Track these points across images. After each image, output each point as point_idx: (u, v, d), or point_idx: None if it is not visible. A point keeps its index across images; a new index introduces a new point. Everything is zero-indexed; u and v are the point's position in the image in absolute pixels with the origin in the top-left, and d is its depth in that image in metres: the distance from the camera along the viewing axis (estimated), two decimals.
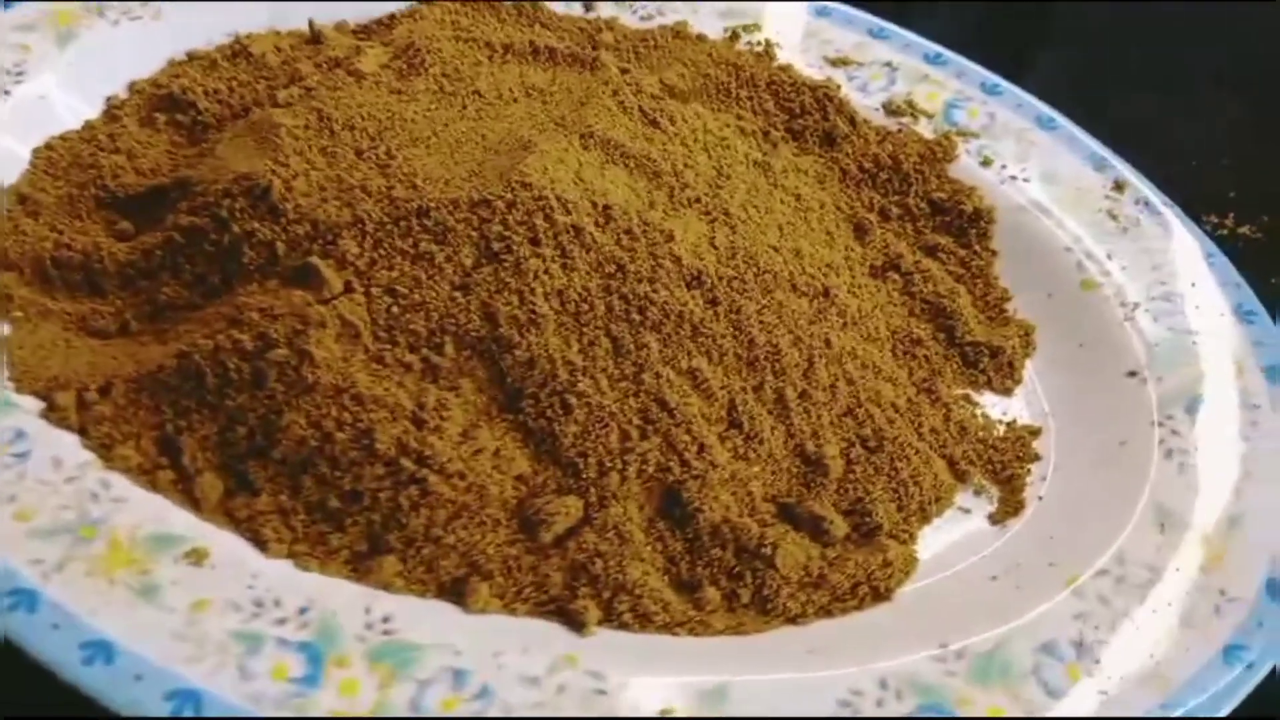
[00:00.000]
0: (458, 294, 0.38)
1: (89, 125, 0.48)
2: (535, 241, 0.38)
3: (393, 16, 0.54)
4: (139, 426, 0.36)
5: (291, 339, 0.36)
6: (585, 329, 0.38)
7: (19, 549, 0.32)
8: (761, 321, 0.39)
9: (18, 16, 0.50)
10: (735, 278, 0.40)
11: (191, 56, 0.52)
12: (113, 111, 0.49)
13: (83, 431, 0.36)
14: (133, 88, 0.50)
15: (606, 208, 0.40)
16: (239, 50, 0.51)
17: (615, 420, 0.36)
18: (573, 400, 0.37)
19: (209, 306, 0.39)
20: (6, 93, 0.47)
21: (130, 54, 0.51)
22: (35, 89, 0.48)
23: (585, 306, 0.38)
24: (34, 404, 0.37)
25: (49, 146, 0.47)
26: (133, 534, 0.33)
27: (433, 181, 0.40)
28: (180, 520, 0.34)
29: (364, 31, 0.54)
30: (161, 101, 0.49)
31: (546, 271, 0.38)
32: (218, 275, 0.40)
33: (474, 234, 0.39)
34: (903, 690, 0.31)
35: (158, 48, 0.52)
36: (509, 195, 0.39)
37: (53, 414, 0.36)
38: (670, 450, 0.36)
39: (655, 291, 0.38)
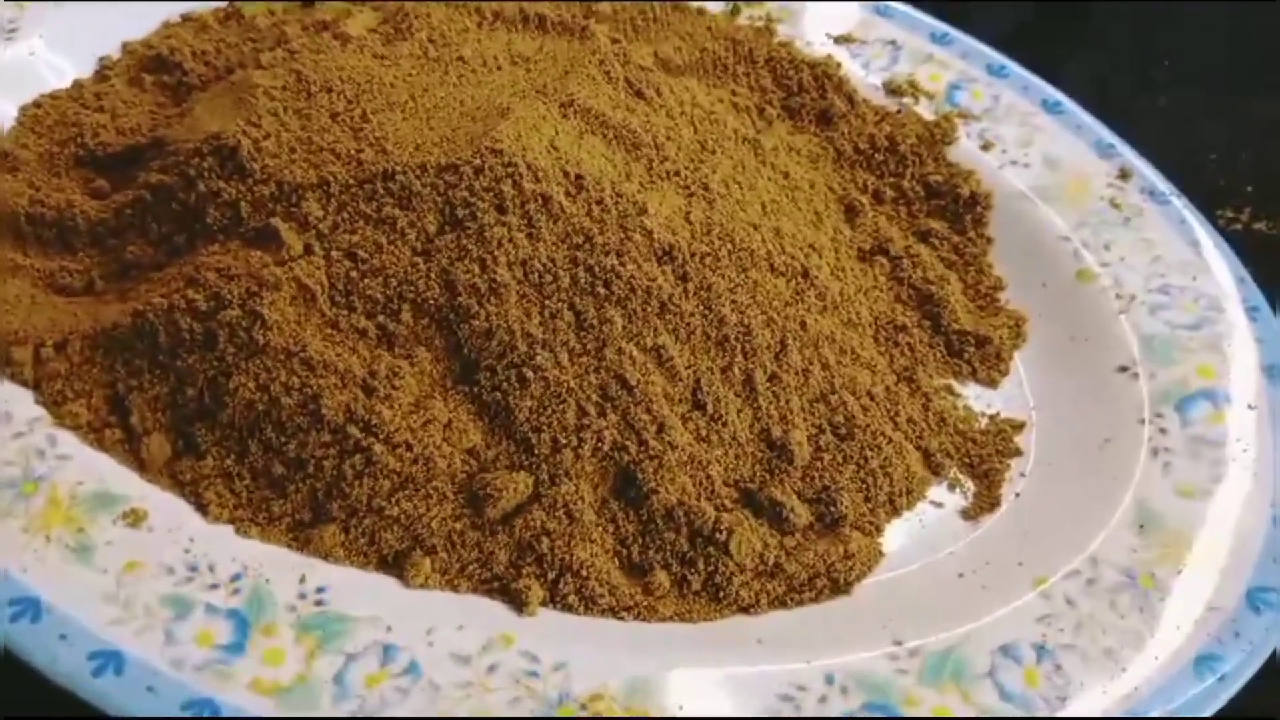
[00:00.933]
0: (418, 260, 0.37)
1: (78, 84, 0.48)
2: (501, 209, 0.37)
3: None
4: (91, 384, 0.36)
5: (245, 300, 0.35)
6: (548, 301, 0.37)
7: None
8: (733, 300, 0.38)
9: None
10: (709, 254, 0.38)
11: (185, 19, 0.51)
12: (103, 71, 0.49)
13: (37, 387, 0.36)
14: (125, 48, 0.50)
15: (578, 177, 0.38)
16: (231, 13, 0.51)
17: (573, 396, 0.35)
18: (530, 374, 0.35)
19: (172, 266, 0.39)
20: None
21: (125, 15, 0.50)
22: (26, 46, 0.48)
23: (549, 278, 0.37)
24: None
25: (37, 104, 0.47)
26: (73, 492, 0.33)
27: (403, 146, 0.39)
28: (123, 480, 0.34)
29: None
30: (150, 62, 0.49)
31: (510, 240, 0.37)
32: (183, 235, 0.39)
33: (439, 199, 0.38)
34: (849, 687, 0.30)
35: (153, 9, 0.51)
36: (477, 161, 0.38)
37: (8, 369, 0.36)
38: (628, 429, 0.35)
39: (623, 265, 0.37)
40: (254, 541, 0.33)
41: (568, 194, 0.38)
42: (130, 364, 0.36)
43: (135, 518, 0.33)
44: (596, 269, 0.37)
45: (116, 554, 0.31)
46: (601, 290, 0.37)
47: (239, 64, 0.47)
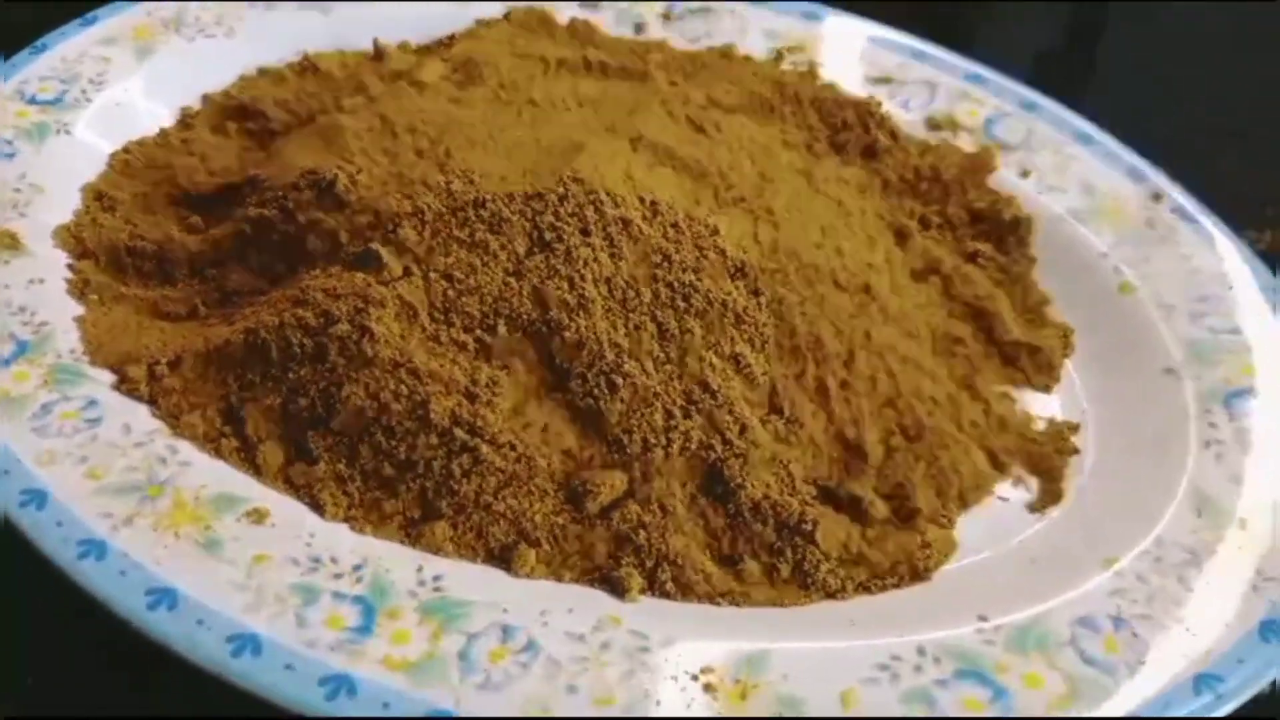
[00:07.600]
0: (511, 279, 0.39)
1: (163, 132, 0.51)
2: (585, 232, 0.40)
3: (452, 37, 0.56)
4: (205, 398, 0.38)
5: (353, 316, 0.38)
6: (631, 314, 0.39)
7: (88, 504, 0.34)
8: (803, 313, 0.40)
9: (100, 30, 0.53)
10: (778, 270, 0.41)
11: (262, 71, 0.55)
12: (186, 120, 0.52)
13: (152, 402, 0.38)
14: (206, 99, 0.53)
15: (654, 202, 0.41)
16: (306, 66, 0.54)
17: (659, 400, 0.38)
18: (619, 380, 0.38)
19: (275, 291, 0.41)
20: (89, 99, 0.50)
21: (204, 68, 0.54)
22: (114, 96, 0.51)
23: (632, 293, 0.39)
24: (107, 377, 0.39)
25: (126, 150, 0.50)
26: (197, 494, 0.35)
27: (489, 177, 0.42)
28: (242, 484, 0.36)
29: (425, 51, 0.56)
30: (232, 110, 0.52)
31: (595, 260, 0.40)
32: (283, 263, 0.42)
33: (527, 224, 0.40)
34: (941, 657, 0.32)
35: (230, 63, 0.55)
36: (560, 189, 0.41)
37: (124, 385, 0.38)
38: (713, 429, 0.37)
39: (700, 280, 0.40)
40: (369, 538, 0.35)
41: (644, 218, 0.41)
42: (243, 378, 0.38)
43: (258, 516, 0.35)
44: (675, 284, 0.40)
45: (243, 548, 0.33)
46: (681, 304, 0.39)
47: (320, 110, 0.50)
